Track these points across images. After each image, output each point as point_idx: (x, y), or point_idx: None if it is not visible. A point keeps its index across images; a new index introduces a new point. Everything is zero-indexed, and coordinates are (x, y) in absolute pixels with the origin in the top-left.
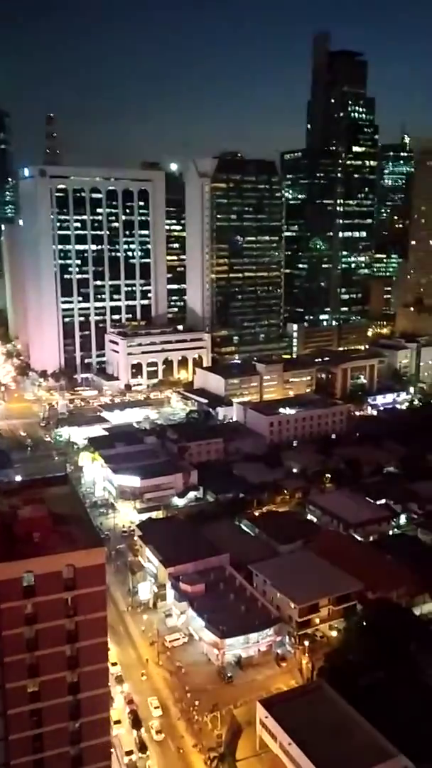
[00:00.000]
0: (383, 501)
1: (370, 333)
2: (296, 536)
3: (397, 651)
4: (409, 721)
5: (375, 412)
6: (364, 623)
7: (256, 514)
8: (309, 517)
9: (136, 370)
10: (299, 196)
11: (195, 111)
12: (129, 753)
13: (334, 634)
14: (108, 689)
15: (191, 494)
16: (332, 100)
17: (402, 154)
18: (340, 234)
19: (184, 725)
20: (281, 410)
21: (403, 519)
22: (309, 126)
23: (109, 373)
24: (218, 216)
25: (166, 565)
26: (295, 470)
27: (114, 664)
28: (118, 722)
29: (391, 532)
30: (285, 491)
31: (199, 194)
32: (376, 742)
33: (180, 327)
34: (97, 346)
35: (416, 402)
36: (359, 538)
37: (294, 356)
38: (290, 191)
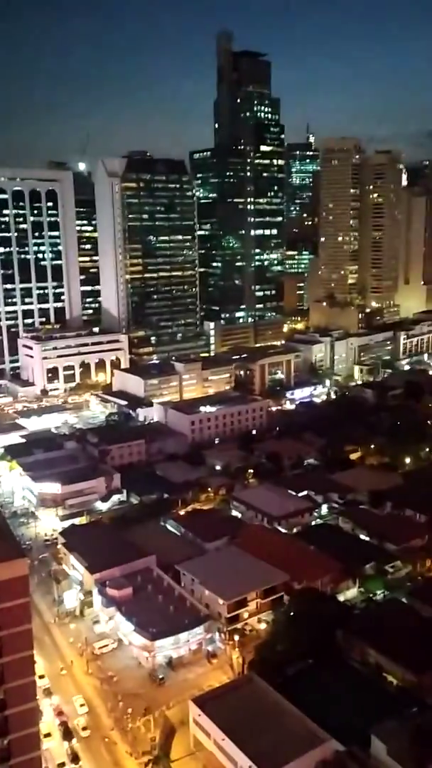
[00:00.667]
0: (305, 493)
1: (285, 329)
2: (222, 533)
3: (324, 637)
4: (338, 705)
5: (294, 406)
6: (292, 613)
7: (181, 513)
8: (233, 513)
9: (53, 374)
10: (210, 195)
11: (102, 110)
12: (61, 765)
13: (263, 626)
14: (36, 703)
15: (115, 498)
16: (238, 100)
17: (308, 153)
18: (252, 232)
19: (118, 734)
20: (202, 409)
21: (324, 509)
22: (216, 125)
23: (24, 379)
24: (130, 216)
25: (92, 571)
26: (218, 467)
27: (41, 676)
28: (48, 735)
29: (313, 523)
30: (209, 489)
31: (109, 194)
32: (307, 729)
33: (96, 329)
34: (10, 352)
35: (332, 394)
36: (283, 531)
37: (212, 354)
38: (201, 190)
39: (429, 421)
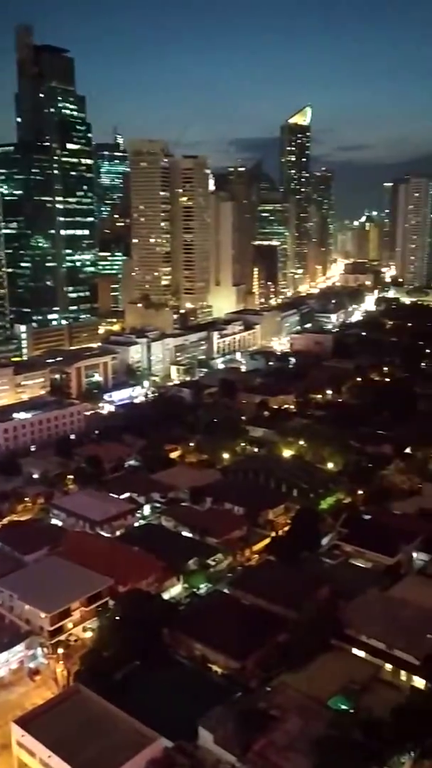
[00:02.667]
0: (127, 495)
1: (101, 330)
2: (41, 543)
3: (150, 638)
4: (166, 702)
5: (113, 408)
6: (117, 617)
7: None
8: (54, 521)
9: None
10: (15, 192)
11: None
12: None
13: (88, 635)
14: None
15: None
16: (41, 95)
17: (117, 153)
18: (63, 232)
19: None
20: (15, 415)
21: (147, 509)
22: (19, 119)
23: None
24: None
25: None
26: (35, 476)
27: None
28: None
29: (136, 524)
30: (26, 499)
31: None
32: (135, 731)
33: None
34: None
35: (150, 395)
36: (106, 535)
37: (25, 358)
38: (5, 186)
39: (243, 417)
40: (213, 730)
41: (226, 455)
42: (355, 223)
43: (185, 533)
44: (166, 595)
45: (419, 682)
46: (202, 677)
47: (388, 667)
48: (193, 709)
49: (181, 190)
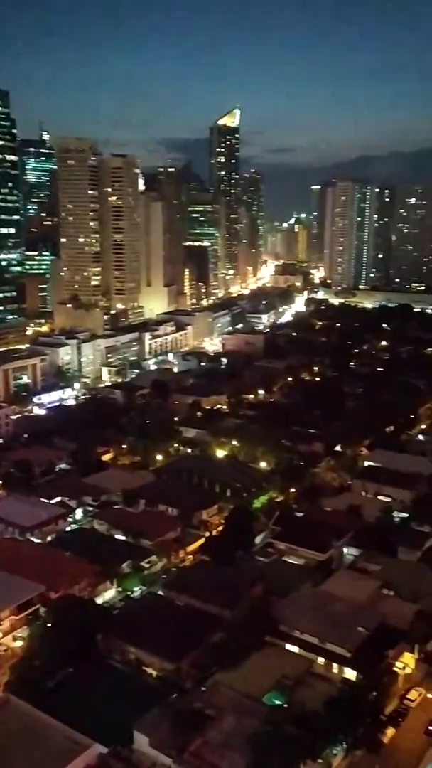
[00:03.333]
0: (58, 499)
1: (29, 331)
2: None
3: (84, 644)
4: (101, 708)
5: (42, 411)
6: (48, 625)
7: None
8: None
9: None
10: None
11: None
12: None
13: (18, 644)
14: None
15: None
16: None
17: (43, 150)
18: None
19: None
20: None
21: (79, 513)
22: None
23: None
24: None
25: None
26: None
27: None
28: None
29: (68, 529)
30: None
31: None
32: (69, 739)
33: None
34: None
35: (81, 397)
36: (37, 541)
37: None
38: None
39: (176, 418)
40: (148, 733)
41: (159, 457)
42: (285, 224)
43: (118, 536)
44: (99, 600)
45: (350, 674)
46: (137, 681)
47: (321, 660)
48: (129, 713)
49: (110, 190)
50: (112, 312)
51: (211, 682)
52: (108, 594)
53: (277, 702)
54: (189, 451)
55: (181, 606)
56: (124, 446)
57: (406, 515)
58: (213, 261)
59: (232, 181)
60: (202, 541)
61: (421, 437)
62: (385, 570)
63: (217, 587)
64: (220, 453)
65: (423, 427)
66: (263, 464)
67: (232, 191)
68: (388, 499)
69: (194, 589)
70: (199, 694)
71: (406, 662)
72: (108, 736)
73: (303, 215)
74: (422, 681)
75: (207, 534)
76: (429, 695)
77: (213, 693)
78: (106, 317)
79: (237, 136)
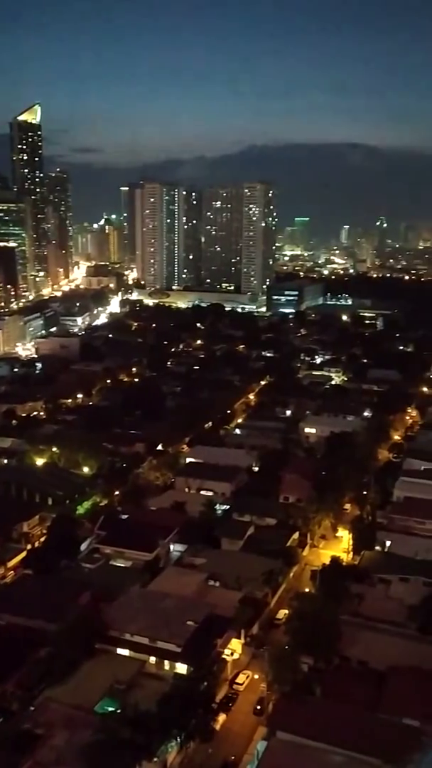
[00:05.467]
0: None
1: None
2: None
3: None
4: None
5: None
6: None
7: None
8: None
9: None
10: None
11: None
12: None
13: None
14: None
15: None
16: None
17: None
18: None
19: None
20: None
21: None
22: None
23: None
24: None
25: None
26: None
27: None
28: None
29: None
30: None
31: None
32: None
33: None
34: None
35: None
36: None
37: None
38: None
39: None
40: None
41: None
42: (95, 225)
43: None
44: None
45: (182, 668)
46: None
47: (153, 659)
48: None
49: None
50: None
51: (41, 699)
52: None
53: (110, 708)
54: (5, 461)
55: (2, 625)
56: None
57: (227, 507)
58: (21, 262)
59: (37, 179)
60: (23, 554)
61: (237, 431)
62: (210, 562)
63: (42, 601)
64: (39, 461)
65: (239, 421)
66: (86, 469)
67: (38, 190)
68: (210, 493)
69: (17, 606)
70: (27, 715)
71: (234, 648)
72: None
73: (113, 216)
74: (249, 664)
75: (29, 547)
76: (256, 676)
77: (42, 711)
78: None
79: (39, 133)
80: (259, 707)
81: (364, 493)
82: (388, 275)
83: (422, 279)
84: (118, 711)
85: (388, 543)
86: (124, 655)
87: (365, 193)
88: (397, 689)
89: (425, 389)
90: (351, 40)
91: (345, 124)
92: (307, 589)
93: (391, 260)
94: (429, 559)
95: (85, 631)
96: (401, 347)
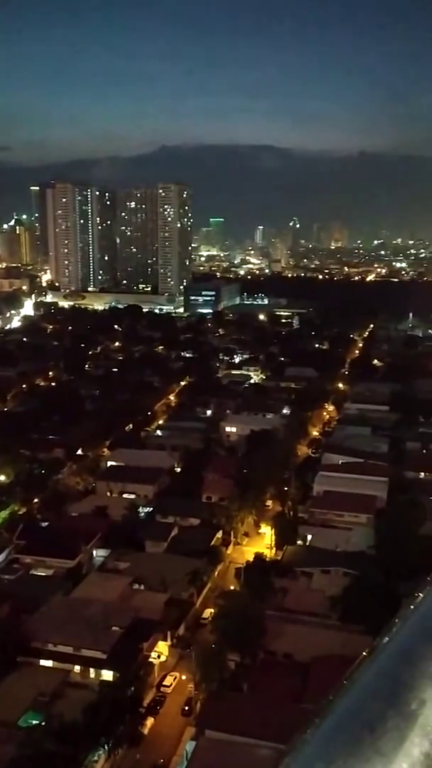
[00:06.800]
0: None
1: None
2: None
3: None
4: None
5: None
6: None
7: None
8: None
9: None
10: None
11: None
12: None
13: None
14: None
15: None
16: None
17: None
18: None
19: None
20: None
21: None
22: None
23: None
24: None
25: None
26: None
27: None
28: None
29: None
30: None
31: None
32: None
33: None
34: None
35: None
36: None
37: None
38: None
39: None
40: None
41: None
42: (5, 226)
43: None
44: None
45: (107, 675)
46: None
47: (77, 668)
48: None
49: None
50: None
51: None
52: None
53: (34, 722)
54: None
55: None
56: None
57: (150, 509)
58: None
59: None
60: None
61: (159, 432)
62: (134, 566)
63: None
64: None
65: (160, 422)
66: (2, 477)
67: None
68: (133, 496)
69: None
70: None
71: (161, 651)
72: None
73: (24, 216)
74: (176, 666)
75: None
76: (183, 677)
77: None
78: None
79: None
80: (187, 708)
81: (285, 489)
82: (303, 275)
83: (335, 278)
84: (43, 723)
85: (309, 537)
86: (47, 666)
87: (278, 194)
88: (320, 679)
89: (341, 385)
90: (264, 44)
91: (258, 127)
92: (232, 587)
93: (305, 260)
94: (348, 550)
95: (5, 644)
96: (317, 345)
